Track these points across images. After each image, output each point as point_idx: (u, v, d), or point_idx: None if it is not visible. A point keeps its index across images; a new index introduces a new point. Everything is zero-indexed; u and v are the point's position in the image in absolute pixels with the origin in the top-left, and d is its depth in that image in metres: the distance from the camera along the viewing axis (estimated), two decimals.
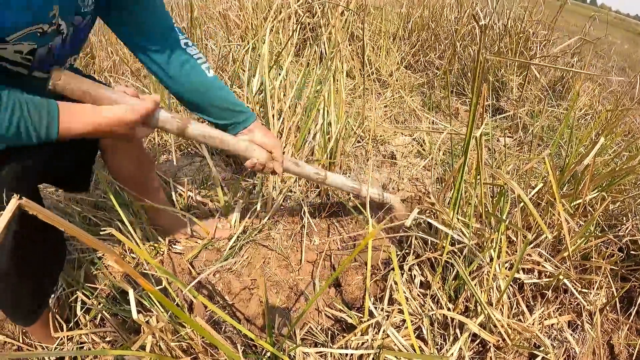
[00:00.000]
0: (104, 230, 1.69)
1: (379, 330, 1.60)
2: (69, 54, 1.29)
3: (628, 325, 2.07)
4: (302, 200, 2.38)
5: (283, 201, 2.35)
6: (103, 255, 1.97)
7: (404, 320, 1.65)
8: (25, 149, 1.19)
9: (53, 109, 1.10)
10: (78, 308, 1.70)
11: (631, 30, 26.43)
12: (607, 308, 2.06)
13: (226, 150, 1.59)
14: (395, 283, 1.31)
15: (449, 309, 1.71)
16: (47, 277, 1.54)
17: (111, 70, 4.39)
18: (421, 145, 3.16)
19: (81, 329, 1.69)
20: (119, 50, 4.56)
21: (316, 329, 1.79)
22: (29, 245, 1.32)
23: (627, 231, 2.24)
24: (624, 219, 2.32)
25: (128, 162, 1.77)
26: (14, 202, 0.62)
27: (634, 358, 2.00)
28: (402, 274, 1.90)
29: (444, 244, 1.74)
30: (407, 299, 1.76)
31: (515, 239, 1.92)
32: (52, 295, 1.63)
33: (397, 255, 1.98)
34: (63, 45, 1.21)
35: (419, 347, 1.56)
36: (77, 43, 1.31)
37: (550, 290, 1.91)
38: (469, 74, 4.25)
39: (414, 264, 1.90)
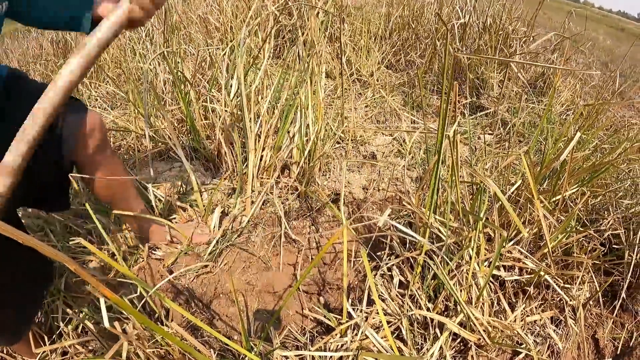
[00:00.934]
0: (73, 239, 1.68)
1: (358, 332, 1.60)
2: None
3: (612, 319, 2.07)
4: (281, 203, 2.37)
5: (262, 204, 2.34)
6: (83, 263, 1.96)
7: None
8: None
9: None
10: (59, 318, 1.70)
11: (614, 25, 26.70)
12: (591, 303, 2.07)
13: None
14: (371, 283, 1.30)
15: (428, 309, 1.71)
16: (30, 299, 1.52)
17: (92, 76, 4.38)
18: (401, 145, 3.16)
19: (65, 339, 1.68)
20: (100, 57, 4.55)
21: (296, 331, 1.78)
22: (7, 268, 1.31)
23: (608, 225, 2.24)
24: (606, 213, 2.33)
25: (102, 174, 1.76)
26: None
27: (619, 351, 2.01)
28: (382, 275, 1.90)
29: (422, 244, 1.73)
30: (384, 300, 1.75)
31: (494, 237, 1.92)
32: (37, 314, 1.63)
33: (377, 255, 1.97)
34: None
35: (398, 347, 1.56)
36: None
37: (532, 287, 1.92)
38: (449, 72, 4.25)
39: (393, 265, 1.90)
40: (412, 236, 1.75)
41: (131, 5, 1.27)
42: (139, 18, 1.32)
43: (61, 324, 1.68)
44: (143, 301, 1.72)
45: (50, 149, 1.53)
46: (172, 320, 1.72)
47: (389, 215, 1.96)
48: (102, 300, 1.24)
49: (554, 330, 1.88)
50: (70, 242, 2.02)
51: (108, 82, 4.11)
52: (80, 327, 1.73)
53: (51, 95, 1.07)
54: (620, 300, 2.06)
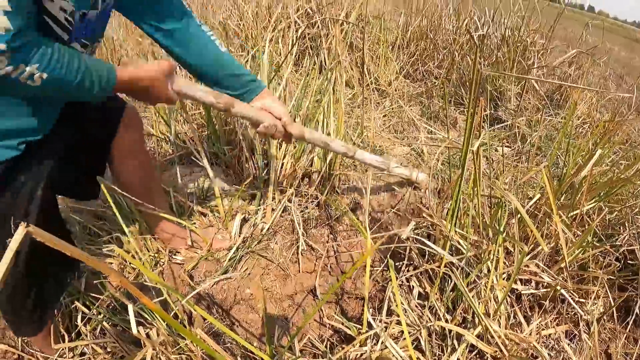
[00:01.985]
0: (107, 246, 1.71)
1: (377, 342, 1.61)
2: (98, 33, 1.39)
3: (625, 334, 2.07)
4: (301, 211, 2.39)
5: (282, 212, 2.36)
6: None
7: (402, 332, 1.67)
8: (40, 157, 1.31)
9: (108, 63, 1.24)
10: (79, 318, 1.70)
11: (629, 36, 26.51)
12: (605, 317, 2.07)
13: (239, 115, 1.71)
14: (394, 294, 1.32)
15: (446, 321, 1.72)
16: (53, 289, 1.55)
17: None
18: (420, 155, 3.18)
19: (82, 339, 1.69)
20: (119, 58, 4.59)
21: (316, 339, 1.80)
22: (35, 258, 1.35)
23: (624, 241, 2.25)
24: (621, 228, 2.33)
25: (134, 169, 1.82)
26: (21, 230, 0.64)
27: None
28: (400, 285, 1.92)
29: (442, 256, 1.75)
30: (405, 310, 1.77)
31: (513, 250, 1.93)
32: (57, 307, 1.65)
33: (396, 265, 1.99)
34: (96, 20, 1.30)
35: (417, 358, 1.57)
36: (102, 24, 1.40)
37: (547, 301, 1.92)
38: (467, 83, 4.26)
39: (412, 275, 1.91)
40: (434, 249, 1.77)
41: (266, 127, 1.72)
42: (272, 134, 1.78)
43: (80, 324, 1.70)
44: (166, 308, 1.74)
45: (98, 133, 1.64)
46: (195, 326, 1.74)
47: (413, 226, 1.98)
48: (130, 306, 1.26)
49: (568, 344, 1.89)
50: (91, 245, 2.05)
51: None
52: (99, 328, 1.75)
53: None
54: (634, 316, 2.06)
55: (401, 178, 2.20)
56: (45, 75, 1.03)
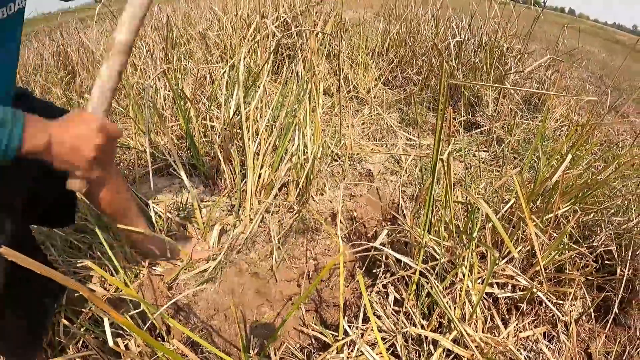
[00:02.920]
0: (81, 262, 1.71)
1: (354, 348, 1.63)
2: None
3: (605, 334, 2.10)
4: (279, 220, 2.41)
5: (260, 222, 2.38)
6: (84, 278, 1.99)
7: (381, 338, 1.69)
8: (9, 187, 1.25)
9: (19, 113, 1.05)
10: (61, 332, 1.70)
11: (609, 38, 26.82)
12: (584, 318, 2.10)
13: None
14: (366, 300, 1.34)
15: (422, 326, 1.74)
16: (42, 312, 1.55)
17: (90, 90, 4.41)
18: (398, 162, 3.20)
19: (65, 354, 1.68)
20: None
21: (294, 348, 1.81)
22: (22, 286, 1.34)
23: (600, 242, 2.28)
24: (598, 229, 2.37)
25: (107, 190, 1.79)
26: None
27: None
28: (378, 292, 1.94)
29: (417, 262, 1.77)
30: (380, 317, 1.79)
31: (487, 254, 1.96)
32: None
33: (373, 272, 2.00)
34: None
35: None
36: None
37: (525, 303, 1.95)
38: (445, 89, 4.29)
39: (388, 282, 1.94)
40: (406, 260, 1.79)
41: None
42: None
43: (63, 338, 1.70)
44: (146, 319, 1.75)
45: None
46: (173, 337, 1.75)
47: (385, 234, 2.01)
48: (106, 320, 1.28)
49: (547, 346, 1.91)
50: (72, 258, 2.05)
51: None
52: (81, 342, 1.75)
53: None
54: (612, 315, 2.09)
55: None
56: None
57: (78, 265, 2.04)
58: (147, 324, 1.77)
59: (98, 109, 1.28)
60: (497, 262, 1.93)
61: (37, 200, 1.50)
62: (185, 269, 2.09)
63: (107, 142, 1.25)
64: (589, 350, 2.08)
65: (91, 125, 1.20)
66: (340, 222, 2.51)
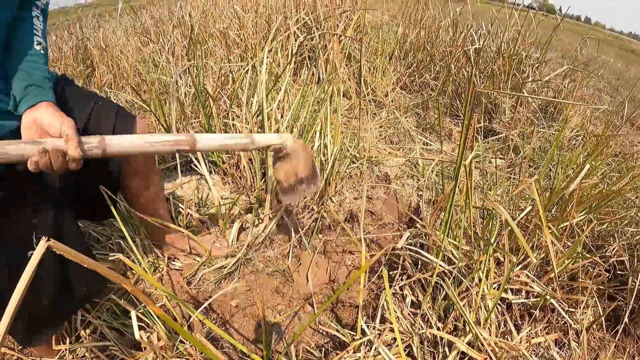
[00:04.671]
0: (112, 254, 1.74)
1: (370, 348, 1.66)
2: None
3: (615, 343, 2.11)
4: (298, 219, 2.43)
5: (279, 220, 2.40)
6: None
7: (395, 338, 1.71)
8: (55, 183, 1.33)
9: None
10: (78, 321, 1.73)
11: (624, 47, 26.65)
12: (594, 327, 2.11)
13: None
14: (387, 302, 1.37)
15: (438, 328, 1.76)
16: (64, 301, 1.57)
17: (111, 85, 4.45)
18: (415, 166, 3.22)
19: (82, 342, 1.72)
20: (120, 63, 4.63)
21: (311, 346, 1.84)
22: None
23: (613, 252, 2.30)
24: (611, 239, 2.38)
25: (142, 185, 1.83)
26: (42, 244, 0.68)
27: None
28: (394, 294, 1.97)
29: (435, 265, 1.80)
30: (397, 318, 1.81)
31: (504, 260, 1.98)
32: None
33: (390, 274, 2.03)
34: None
35: None
36: None
37: (537, 310, 1.97)
38: (462, 95, 4.31)
39: (405, 284, 1.96)
40: (428, 258, 1.81)
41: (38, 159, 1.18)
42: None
43: (79, 327, 1.73)
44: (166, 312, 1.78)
45: (107, 163, 1.63)
46: (195, 332, 1.78)
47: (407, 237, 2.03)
48: (133, 313, 1.30)
49: (558, 353, 1.93)
50: (110, 258, 2.08)
51: (127, 90, 4.18)
52: (98, 332, 1.77)
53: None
54: (623, 325, 2.10)
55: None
56: None
57: (98, 257, 2.07)
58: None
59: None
60: (513, 268, 1.95)
61: (81, 195, 1.53)
62: (204, 265, 2.12)
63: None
64: (598, 359, 2.09)
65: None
66: (358, 223, 2.54)
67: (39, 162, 1.15)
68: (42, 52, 1.38)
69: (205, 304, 1.85)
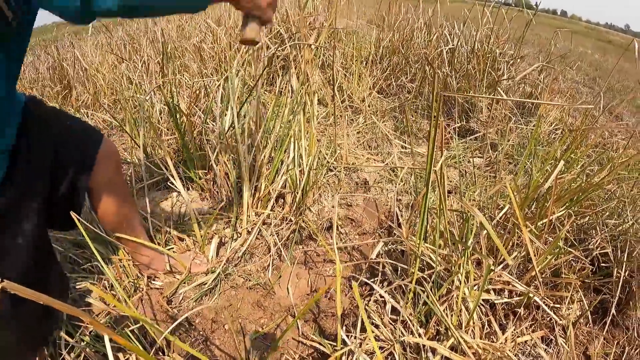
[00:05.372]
0: (87, 275, 1.72)
1: (352, 358, 1.64)
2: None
3: (603, 336, 2.11)
4: (276, 232, 2.42)
5: (258, 234, 2.39)
6: (84, 292, 2.00)
7: (378, 347, 1.70)
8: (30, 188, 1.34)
9: None
10: (62, 346, 1.72)
11: (601, 39, 26.94)
12: (581, 321, 2.11)
13: None
14: (362, 313, 1.35)
15: (419, 335, 1.75)
16: (46, 324, 1.56)
17: (88, 105, 4.43)
18: (393, 171, 3.22)
19: None
20: (96, 82, 4.61)
21: (293, 358, 1.82)
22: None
23: (596, 245, 2.30)
24: (593, 232, 2.38)
25: (112, 201, 1.82)
26: None
27: None
28: (375, 301, 1.96)
29: (414, 271, 1.79)
30: (378, 326, 1.80)
31: (483, 261, 1.97)
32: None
33: (371, 281, 2.01)
34: None
35: None
36: None
37: (522, 308, 1.96)
38: (439, 96, 4.31)
39: (385, 291, 1.95)
40: (404, 265, 1.81)
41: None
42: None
43: (64, 352, 1.71)
44: (145, 332, 1.77)
45: (71, 172, 1.61)
46: (173, 351, 1.77)
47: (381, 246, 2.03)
48: (106, 337, 1.29)
49: (545, 350, 1.92)
50: (72, 274, 2.06)
51: (104, 110, 4.16)
52: (82, 356, 1.76)
53: None
54: (610, 317, 2.10)
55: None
56: None
57: (77, 280, 2.05)
58: (149, 338, 1.79)
59: None
60: (492, 269, 1.94)
61: (50, 203, 1.53)
62: (184, 282, 2.10)
63: None
64: (587, 353, 2.09)
65: None
66: (338, 232, 2.53)
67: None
68: None
69: (177, 322, 1.83)
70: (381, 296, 1.95)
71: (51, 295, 1.40)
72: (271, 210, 2.52)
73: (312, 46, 3.38)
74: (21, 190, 1.33)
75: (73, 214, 1.63)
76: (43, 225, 1.50)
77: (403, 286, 1.95)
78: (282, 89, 3.18)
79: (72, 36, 7.44)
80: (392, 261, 1.95)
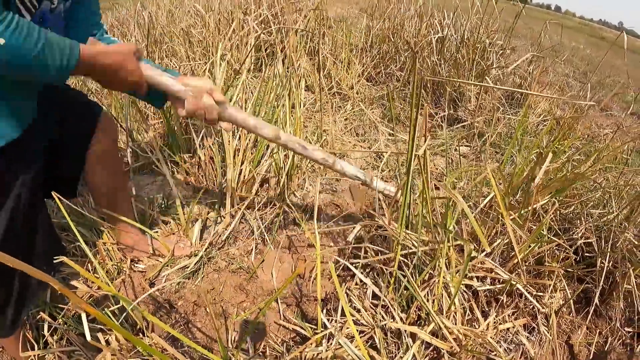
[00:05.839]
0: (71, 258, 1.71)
1: (332, 341, 1.64)
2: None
3: (586, 325, 2.12)
4: (260, 216, 2.42)
5: (242, 218, 2.39)
6: (68, 275, 1.99)
7: (358, 331, 1.70)
8: (28, 162, 1.38)
9: (74, 42, 1.19)
10: (45, 328, 1.72)
11: (594, 34, 27.00)
12: (564, 309, 2.12)
13: (163, 90, 1.54)
14: (347, 294, 1.36)
15: (401, 319, 1.75)
16: (29, 284, 1.56)
17: (74, 88, 4.39)
18: (380, 158, 3.21)
19: (49, 348, 1.71)
20: None
21: (274, 341, 1.82)
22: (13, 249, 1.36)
23: (580, 234, 2.30)
24: (578, 222, 2.38)
25: (105, 175, 1.85)
26: None
27: (592, 355, 2.07)
28: (357, 284, 1.96)
29: (395, 255, 1.79)
30: (359, 310, 1.80)
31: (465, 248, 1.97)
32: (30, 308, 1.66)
33: (353, 265, 2.01)
34: (50, 15, 1.29)
35: (371, 356, 1.61)
36: (58, 26, 1.36)
37: (504, 295, 1.96)
38: (428, 85, 4.31)
39: (366, 276, 1.95)
40: (394, 243, 1.81)
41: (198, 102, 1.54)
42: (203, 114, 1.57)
43: (46, 334, 1.71)
44: (125, 313, 1.76)
45: (70, 141, 1.67)
46: (152, 332, 1.76)
47: (365, 228, 2.02)
48: (83, 315, 1.28)
49: (527, 337, 1.93)
50: (55, 261, 2.05)
51: (91, 94, 4.13)
52: (66, 338, 1.76)
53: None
54: (593, 307, 2.12)
55: (382, 193, 2.16)
56: (2, 41, 1.00)
57: (62, 261, 2.04)
58: (130, 320, 1.78)
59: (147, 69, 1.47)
60: (474, 254, 1.94)
61: (48, 170, 1.54)
62: (167, 265, 2.10)
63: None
64: (570, 342, 2.10)
65: (125, 50, 1.38)
66: (321, 217, 2.52)
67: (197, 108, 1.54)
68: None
69: (159, 303, 1.83)
70: (361, 281, 1.95)
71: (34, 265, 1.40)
72: (255, 194, 2.51)
73: (298, 31, 3.37)
74: (22, 152, 1.34)
75: (55, 195, 1.64)
76: (37, 192, 1.51)
77: (385, 271, 1.95)
78: (270, 74, 3.16)
79: None
80: (374, 246, 1.95)
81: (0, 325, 1.54)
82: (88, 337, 1.26)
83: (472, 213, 1.86)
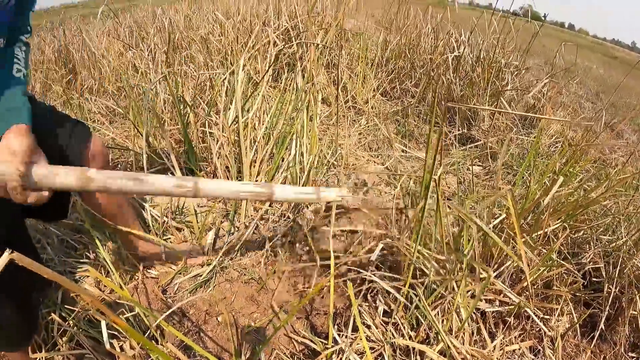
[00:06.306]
0: (84, 260, 1.73)
1: (342, 357, 1.66)
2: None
3: (590, 349, 2.13)
4: (274, 227, 2.44)
5: (255, 229, 2.41)
6: (80, 278, 2.01)
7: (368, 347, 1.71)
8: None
9: None
10: (55, 329, 1.73)
11: (607, 54, 26.92)
12: (570, 333, 2.12)
13: None
14: (355, 314, 1.37)
15: (410, 337, 1.77)
16: (37, 302, 1.57)
17: (92, 91, 4.42)
18: (394, 176, 3.23)
19: (59, 350, 1.72)
20: (102, 68, 4.61)
21: (284, 354, 1.84)
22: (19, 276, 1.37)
23: (589, 259, 2.31)
24: (587, 246, 2.39)
25: (102, 197, 1.82)
26: (5, 256, 0.68)
27: None
28: (367, 303, 1.97)
29: (408, 276, 1.80)
30: (369, 327, 1.81)
31: (477, 268, 1.99)
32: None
33: (368, 281, 2.02)
34: None
35: None
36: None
37: (512, 317, 1.98)
38: (442, 102, 4.33)
39: (377, 294, 1.96)
40: (405, 265, 1.82)
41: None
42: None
43: (56, 335, 1.72)
44: (137, 320, 1.78)
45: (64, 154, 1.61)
46: (167, 341, 1.78)
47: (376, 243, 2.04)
48: (103, 322, 1.30)
49: (533, 359, 1.94)
50: (68, 258, 2.08)
51: (108, 96, 4.17)
52: (75, 340, 1.77)
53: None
54: (599, 331, 2.12)
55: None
56: None
57: (74, 264, 2.07)
58: (142, 327, 1.80)
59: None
60: (488, 280, 1.96)
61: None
62: (180, 273, 2.12)
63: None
64: None
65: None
66: (334, 232, 2.54)
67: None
68: (23, 78, 1.41)
69: (171, 310, 1.85)
70: (373, 297, 1.97)
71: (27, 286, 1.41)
72: (269, 206, 2.53)
73: (319, 45, 3.39)
74: None
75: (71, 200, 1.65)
76: (22, 214, 1.51)
77: (395, 289, 1.96)
78: (287, 86, 3.18)
79: (79, 20, 7.41)
80: (386, 272, 1.97)
81: (13, 342, 1.54)
82: (107, 345, 1.28)
83: (481, 233, 1.88)
